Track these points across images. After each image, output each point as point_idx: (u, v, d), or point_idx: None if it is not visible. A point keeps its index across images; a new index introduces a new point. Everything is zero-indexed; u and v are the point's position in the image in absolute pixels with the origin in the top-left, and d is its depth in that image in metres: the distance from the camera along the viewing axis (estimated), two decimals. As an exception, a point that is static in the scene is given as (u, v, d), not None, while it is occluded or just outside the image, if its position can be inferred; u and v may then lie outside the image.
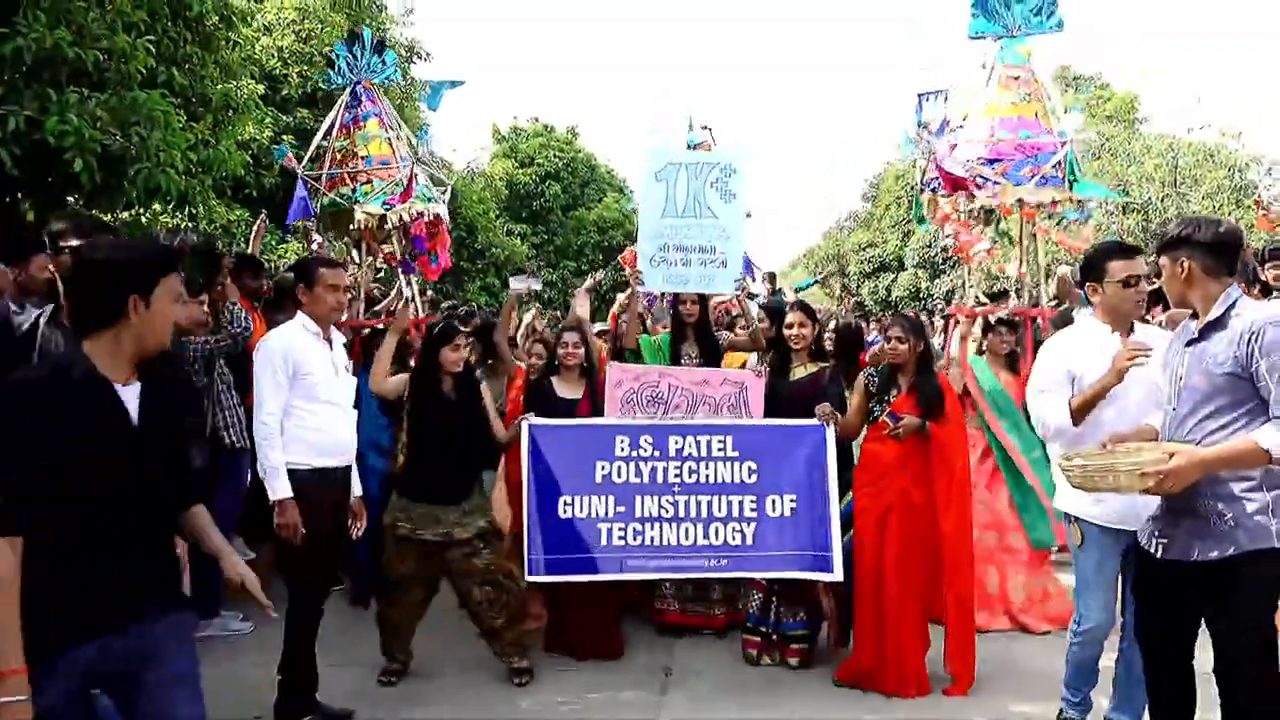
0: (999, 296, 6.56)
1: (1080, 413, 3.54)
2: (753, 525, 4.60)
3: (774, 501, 4.61)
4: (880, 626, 4.42)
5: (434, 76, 11.72)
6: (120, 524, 2.25)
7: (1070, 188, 5.68)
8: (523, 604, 4.63)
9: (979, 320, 5.98)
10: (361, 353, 5.69)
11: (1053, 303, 6.47)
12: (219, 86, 6.36)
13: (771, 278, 10.76)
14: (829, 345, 5.43)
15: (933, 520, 4.43)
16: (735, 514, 4.62)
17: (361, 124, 6.26)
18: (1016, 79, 5.79)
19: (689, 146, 6.89)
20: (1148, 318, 5.70)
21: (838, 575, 4.50)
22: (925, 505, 4.44)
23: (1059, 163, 5.61)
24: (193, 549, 4.72)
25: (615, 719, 4.22)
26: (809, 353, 4.96)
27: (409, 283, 6.69)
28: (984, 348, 5.84)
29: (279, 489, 3.83)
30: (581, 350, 5.06)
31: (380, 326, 6.08)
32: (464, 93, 7.76)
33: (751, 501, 4.62)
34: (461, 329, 4.72)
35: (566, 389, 5.05)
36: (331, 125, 6.33)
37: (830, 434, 4.59)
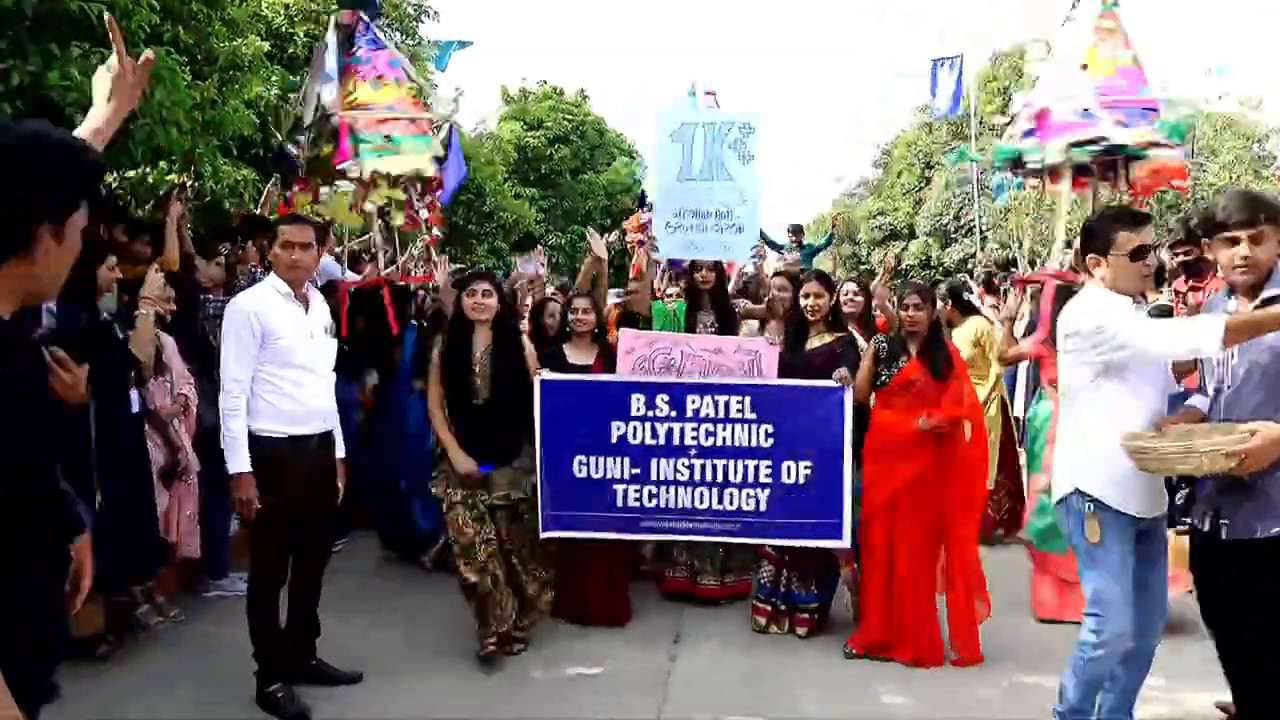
0: (1007, 265, 6.45)
1: (1241, 334, 2.85)
2: (766, 491, 4.60)
3: (789, 468, 4.59)
4: (892, 597, 4.40)
5: (442, 37, 11.61)
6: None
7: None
8: (553, 575, 4.63)
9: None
10: (349, 317, 5.41)
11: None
12: (225, 44, 6.23)
13: (798, 230, 10.67)
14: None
15: (943, 491, 4.40)
16: (750, 479, 4.61)
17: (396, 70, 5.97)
18: (1111, 30, 5.54)
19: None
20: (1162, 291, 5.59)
21: (845, 543, 4.53)
22: (936, 477, 4.40)
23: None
24: (203, 512, 4.80)
25: (625, 683, 4.21)
26: (825, 322, 4.89)
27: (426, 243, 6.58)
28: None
29: (238, 462, 3.71)
30: (592, 316, 5.00)
31: (372, 288, 5.88)
32: (472, 54, 7.60)
33: (767, 466, 4.61)
34: (479, 277, 4.60)
35: (578, 355, 4.99)
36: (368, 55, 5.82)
37: (848, 396, 4.53)
